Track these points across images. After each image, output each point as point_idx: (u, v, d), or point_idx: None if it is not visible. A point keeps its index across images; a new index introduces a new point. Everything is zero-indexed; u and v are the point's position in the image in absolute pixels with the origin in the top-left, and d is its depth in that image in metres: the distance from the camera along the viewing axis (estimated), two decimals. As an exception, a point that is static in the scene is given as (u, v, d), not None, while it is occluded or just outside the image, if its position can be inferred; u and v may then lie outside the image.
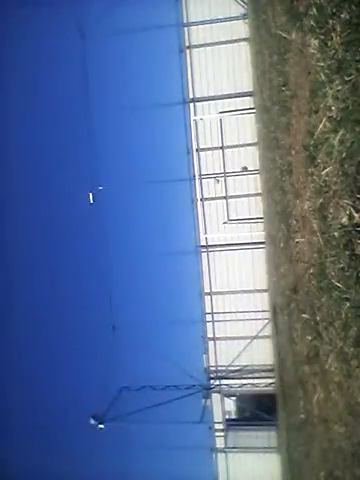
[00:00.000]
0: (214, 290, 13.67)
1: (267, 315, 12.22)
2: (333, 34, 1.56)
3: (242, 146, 12.85)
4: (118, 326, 12.87)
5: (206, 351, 13.76)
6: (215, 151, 13.12)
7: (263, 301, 12.75)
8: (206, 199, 13.33)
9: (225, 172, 13.03)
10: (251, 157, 12.57)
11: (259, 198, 12.08)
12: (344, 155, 1.54)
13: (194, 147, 13.02)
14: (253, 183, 12.78)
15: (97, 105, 12.44)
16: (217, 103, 12.82)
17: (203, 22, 12.61)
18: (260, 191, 11.55)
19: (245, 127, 12.56)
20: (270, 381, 11.74)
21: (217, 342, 13.67)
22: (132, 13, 12.12)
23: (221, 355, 13.62)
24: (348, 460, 1.89)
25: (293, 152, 2.62)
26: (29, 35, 13.17)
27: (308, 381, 2.85)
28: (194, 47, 12.82)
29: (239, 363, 13.21)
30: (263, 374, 12.67)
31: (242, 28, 12.04)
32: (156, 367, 13.07)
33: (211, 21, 12.54)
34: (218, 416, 13.73)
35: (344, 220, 1.58)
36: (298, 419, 3.62)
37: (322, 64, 1.70)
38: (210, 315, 13.73)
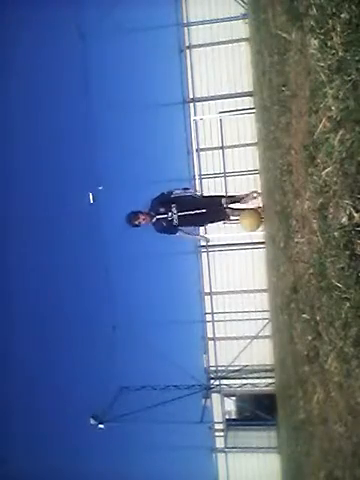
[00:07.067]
0: (214, 290, 13.67)
1: (267, 315, 12.22)
2: (333, 34, 1.56)
3: (242, 146, 12.85)
4: (118, 326, 12.87)
5: (206, 351, 13.76)
6: (215, 151, 13.12)
7: (263, 301, 12.75)
8: (206, 199, 13.31)
9: (225, 172, 13.03)
10: (251, 157, 12.57)
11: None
12: (344, 155, 1.54)
13: (194, 147, 13.01)
14: (253, 183, 12.78)
15: (97, 105, 12.45)
16: (217, 103, 12.82)
17: (203, 22, 12.60)
18: (260, 191, 11.54)
19: (245, 127, 12.55)
20: (270, 381, 11.74)
21: (217, 342, 13.67)
22: (132, 13, 12.13)
23: (221, 355, 13.62)
24: (348, 460, 1.89)
25: (293, 152, 2.62)
26: (29, 35, 13.18)
27: (308, 381, 2.85)
28: (194, 47, 12.81)
29: (239, 363, 13.21)
30: (263, 374, 12.67)
31: (242, 28, 12.04)
32: (156, 367, 13.08)
33: (211, 21, 12.54)
34: (218, 416, 13.73)
35: (344, 220, 1.58)
36: (298, 419, 3.62)
37: (322, 64, 1.70)
38: (210, 315, 13.73)
